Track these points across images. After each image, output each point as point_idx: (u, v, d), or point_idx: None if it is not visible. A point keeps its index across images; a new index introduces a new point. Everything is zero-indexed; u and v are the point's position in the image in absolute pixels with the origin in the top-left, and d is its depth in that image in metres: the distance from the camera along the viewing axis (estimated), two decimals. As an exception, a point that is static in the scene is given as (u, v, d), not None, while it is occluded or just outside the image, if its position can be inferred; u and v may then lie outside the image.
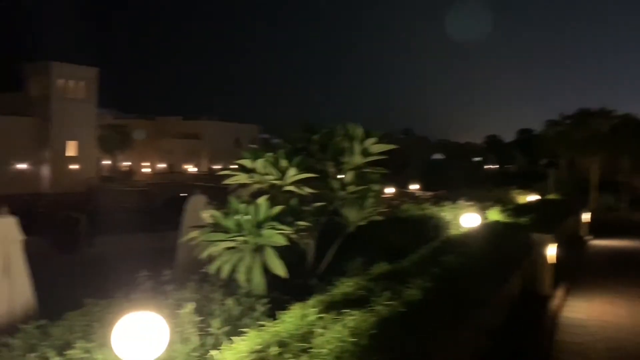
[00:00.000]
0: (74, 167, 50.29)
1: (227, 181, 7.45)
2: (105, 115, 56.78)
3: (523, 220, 14.02)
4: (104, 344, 5.36)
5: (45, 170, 49.34)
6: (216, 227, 6.96)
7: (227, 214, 6.97)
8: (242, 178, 7.52)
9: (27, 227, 8.06)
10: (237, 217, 6.73)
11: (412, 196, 26.75)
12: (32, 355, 5.15)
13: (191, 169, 61.44)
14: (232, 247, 6.73)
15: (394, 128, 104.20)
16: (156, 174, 59.21)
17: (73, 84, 50.87)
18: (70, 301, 7.79)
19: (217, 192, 12.25)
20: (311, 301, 5.48)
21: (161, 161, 62.80)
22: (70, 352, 5.05)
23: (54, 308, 7.05)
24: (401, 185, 33.31)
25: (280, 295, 6.30)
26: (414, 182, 38.39)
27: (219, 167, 63.51)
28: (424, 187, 37.60)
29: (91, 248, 19.09)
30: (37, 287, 8.14)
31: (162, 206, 33.92)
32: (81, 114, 50.19)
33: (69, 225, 19.52)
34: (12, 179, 44.97)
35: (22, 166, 47.49)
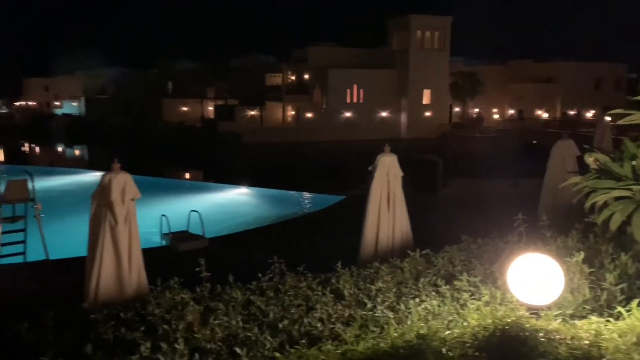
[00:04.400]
0: (427, 114, 53.68)
1: (622, 121, 6.46)
2: (456, 62, 58.18)
3: None
4: (485, 280, 5.46)
5: (403, 118, 54.16)
6: (603, 174, 6.16)
7: (617, 159, 6.09)
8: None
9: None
10: (633, 162, 5.80)
11: None
12: (422, 280, 5.64)
13: (543, 114, 57.85)
14: (625, 197, 5.86)
15: None
16: (506, 120, 58.00)
17: (429, 35, 53.67)
18: (442, 236, 8.30)
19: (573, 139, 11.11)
20: None
21: (511, 107, 61.06)
22: (457, 283, 5.33)
23: (429, 241, 7.63)
24: None
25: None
26: None
27: (573, 112, 57.91)
28: None
29: (448, 189, 20.07)
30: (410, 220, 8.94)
31: (513, 152, 33.05)
32: (436, 63, 52.77)
33: (428, 167, 20.92)
34: (376, 126, 51.05)
35: (384, 114, 53.23)
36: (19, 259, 10.98)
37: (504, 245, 6.46)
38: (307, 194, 23.31)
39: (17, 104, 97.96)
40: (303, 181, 25.74)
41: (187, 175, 33.95)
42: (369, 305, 4.94)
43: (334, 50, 56.26)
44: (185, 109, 63.92)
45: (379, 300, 5.03)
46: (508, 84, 61.02)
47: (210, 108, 63.74)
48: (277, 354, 3.73)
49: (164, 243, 12.85)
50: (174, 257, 11.49)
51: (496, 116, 60.79)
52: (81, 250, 11.46)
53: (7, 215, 10.99)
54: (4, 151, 53.12)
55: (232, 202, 23.30)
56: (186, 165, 37.72)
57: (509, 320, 3.89)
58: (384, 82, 53.52)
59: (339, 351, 3.63)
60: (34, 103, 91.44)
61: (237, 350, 3.75)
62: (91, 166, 40.80)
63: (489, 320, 3.94)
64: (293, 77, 58.57)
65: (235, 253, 11.18)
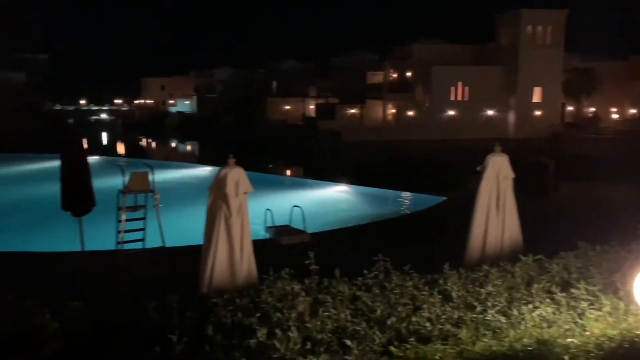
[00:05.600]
0: (537, 113, 50.83)
1: None
2: (571, 59, 54.50)
3: None
4: (605, 290, 5.11)
5: (510, 117, 51.73)
6: None
7: None
8: None
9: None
10: None
11: None
12: (535, 286, 5.39)
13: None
14: None
15: None
16: (626, 120, 53.37)
17: (541, 30, 50.74)
18: (554, 241, 7.87)
19: None
20: None
21: (633, 106, 56.09)
22: (574, 291, 5.04)
23: (541, 246, 7.25)
24: None
25: None
26: None
27: None
28: None
29: (557, 193, 18.96)
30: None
31: (634, 155, 30.41)
32: (547, 60, 49.76)
33: (538, 169, 19.85)
34: (481, 125, 49.21)
35: (490, 113, 51.17)
36: (138, 245, 11.93)
37: (627, 254, 5.99)
38: (406, 194, 23.06)
39: (136, 102, 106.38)
40: (403, 180, 25.51)
41: (288, 172, 34.98)
42: (479, 308, 4.81)
43: (438, 47, 54.99)
44: (287, 107, 65.78)
45: (489, 304, 4.89)
46: (630, 82, 56.09)
47: (312, 106, 65.04)
48: (393, 348, 3.76)
49: (267, 236, 13.33)
50: (277, 249, 11.90)
51: (615, 116, 56.16)
52: (192, 239, 12.27)
53: (130, 204, 11.95)
54: (125, 145, 57.89)
55: (332, 199, 23.62)
56: (287, 163, 38.87)
57: (638, 332, 3.62)
58: (491, 79, 51.47)
59: (454, 350, 3.58)
60: (151, 101, 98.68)
61: (348, 342, 3.82)
62: (201, 161, 43.27)
63: (614, 331, 3.69)
64: (395, 75, 58.10)
65: (335, 249, 11.34)
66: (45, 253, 11.77)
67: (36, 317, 4.31)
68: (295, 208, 13.77)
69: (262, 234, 13.63)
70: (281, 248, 12.12)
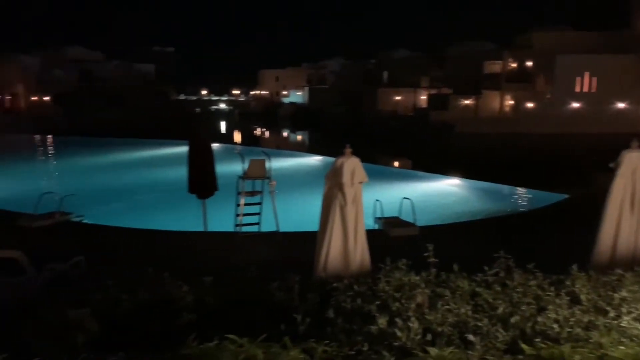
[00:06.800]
0: (677, 106, 45.75)
1: None
2: None
3: None
4: None
5: (645, 110, 47.08)
6: None
7: None
8: None
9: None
10: None
11: None
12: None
13: None
14: None
15: None
16: None
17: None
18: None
19: None
20: None
21: None
22: None
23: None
24: None
25: None
26: None
27: None
28: None
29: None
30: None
31: None
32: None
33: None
34: (611, 119, 45.21)
35: (621, 105, 46.89)
36: (254, 228, 12.54)
37: None
38: (523, 190, 21.91)
39: (252, 93, 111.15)
40: (519, 176, 24.23)
41: (396, 163, 34.68)
42: (612, 314, 4.48)
43: (562, 35, 51.25)
44: (398, 98, 65.10)
45: (623, 310, 4.53)
46: None
47: (423, 97, 63.79)
48: (525, 346, 3.63)
49: (376, 226, 13.37)
50: (385, 240, 11.91)
51: None
52: (304, 226, 12.65)
53: (248, 189, 12.58)
54: (241, 134, 60.84)
55: (442, 192, 23.07)
56: (396, 154, 38.53)
57: None
58: (624, 69, 47.05)
59: (594, 354, 3.37)
60: (266, 92, 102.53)
61: (471, 337, 3.75)
62: (311, 150, 44.32)
63: None
64: (514, 65, 55.15)
65: (445, 244, 11.09)
66: (174, 231, 12.76)
67: (173, 289, 4.72)
68: (405, 200, 13.66)
69: (371, 224, 13.70)
70: (389, 239, 12.11)
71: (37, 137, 46.82)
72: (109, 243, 11.78)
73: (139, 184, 23.06)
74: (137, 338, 4.06)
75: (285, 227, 12.37)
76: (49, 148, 41.80)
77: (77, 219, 13.67)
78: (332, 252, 7.17)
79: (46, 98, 68.98)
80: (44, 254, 9.02)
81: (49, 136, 45.97)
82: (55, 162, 33.88)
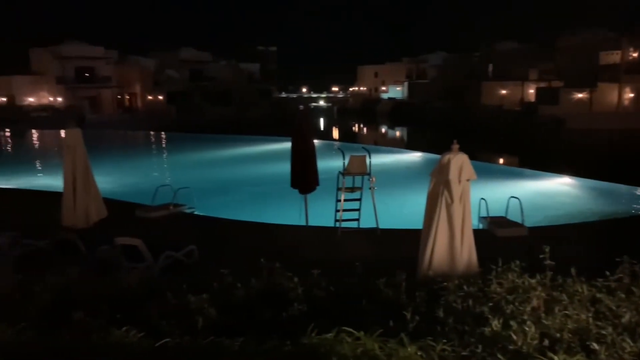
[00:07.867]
0: None
1: None
2: None
3: None
4: None
5: None
6: None
7: None
8: None
9: None
10: None
11: None
12: None
13: None
14: None
15: None
16: None
17: None
18: None
19: None
20: None
21: None
22: None
23: None
24: None
25: None
26: None
27: None
28: None
29: None
30: None
31: None
32: None
33: None
34: None
35: None
36: (354, 224, 12.61)
37: None
38: (644, 190, 20.12)
39: (351, 89, 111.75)
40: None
41: (501, 160, 33.20)
42: None
43: (695, 19, 46.20)
44: (504, 92, 62.31)
45: None
46: None
47: (531, 91, 60.46)
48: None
49: (480, 226, 12.91)
50: (491, 240, 11.47)
51: None
52: (403, 223, 12.50)
53: (348, 185, 12.68)
54: (339, 130, 61.39)
55: (552, 191, 21.78)
56: (502, 150, 36.90)
57: None
58: None
59: None
60: (364, 88, 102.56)
61: (595, 346, 3.52)
62: (408, 146, 43.68)
63: None
64: (635, 55, 50.58)
65: (557, 246, 10.46)
66: (277, 224, 13.18)
67: (285, 280, 4.90)
68: (513, 199, 13.05)
69: (475, 223, 13.24)
70: (496, 239, 11.64)
71: (152, 133, 50.40)
72: (218, 234, 12.43)
73: (245, 179, 24.11)
74: (251, 325, 4.27)
75: (384, 224, 12.33)
76: (163, 144, 44.86)
77: (189, 211, 14.55)
78: (438, 251, 7.03)
79: (160, 97, 74.02)
80: (159, 242, 9.73)
81: (163, 133, 49.29)
82: (169, 157, 36.31)
